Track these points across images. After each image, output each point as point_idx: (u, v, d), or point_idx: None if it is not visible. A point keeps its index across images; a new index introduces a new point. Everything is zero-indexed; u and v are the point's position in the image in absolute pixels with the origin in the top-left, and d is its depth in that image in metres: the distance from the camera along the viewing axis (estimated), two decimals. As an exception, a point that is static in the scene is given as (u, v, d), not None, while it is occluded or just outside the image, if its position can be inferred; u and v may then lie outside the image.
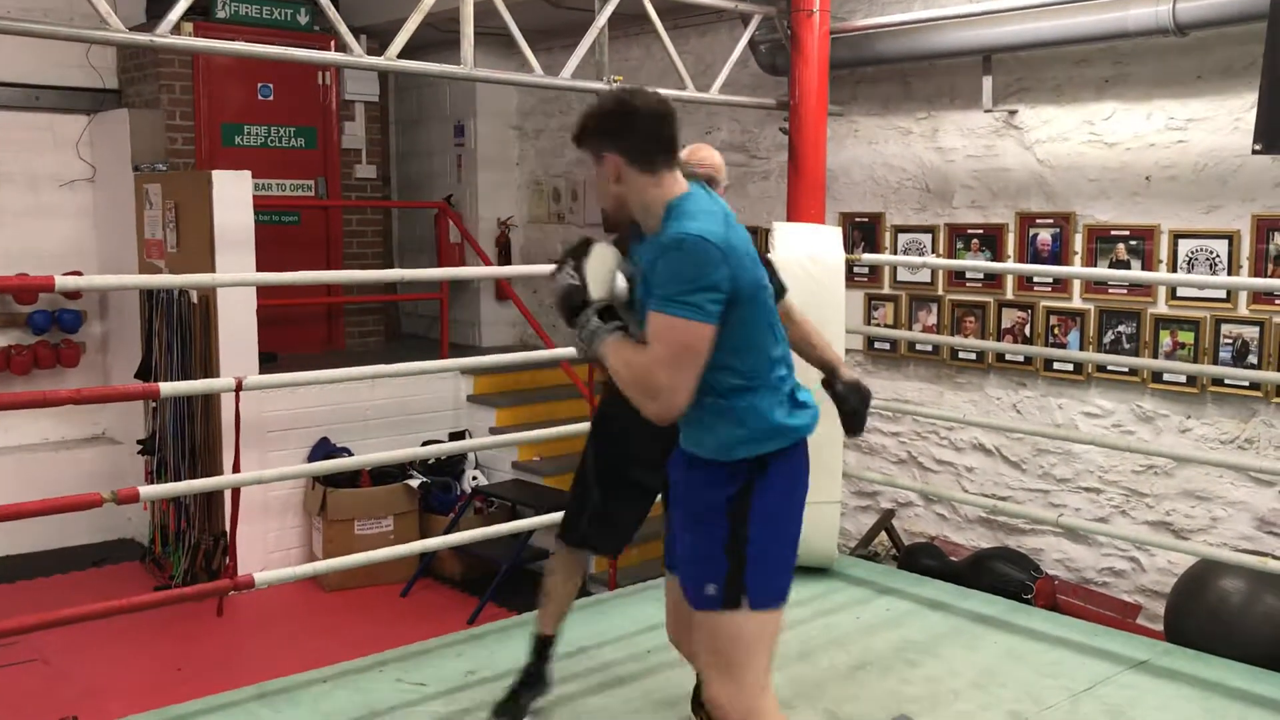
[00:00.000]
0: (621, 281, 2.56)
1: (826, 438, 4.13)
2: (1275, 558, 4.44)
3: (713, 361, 2.41)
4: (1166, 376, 5.15)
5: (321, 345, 8.32)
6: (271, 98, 8.02)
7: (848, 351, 4.90)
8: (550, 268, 2.63)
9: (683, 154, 3.05)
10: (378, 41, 6.82)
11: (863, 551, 5.98)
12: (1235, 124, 4.85)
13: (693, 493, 2.62)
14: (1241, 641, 4.31)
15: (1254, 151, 4.50)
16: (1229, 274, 4.95)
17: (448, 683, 3.92)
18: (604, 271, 2.56)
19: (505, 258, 8.72)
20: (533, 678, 3.55)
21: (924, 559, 5.58)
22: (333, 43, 6.74)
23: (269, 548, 6.50)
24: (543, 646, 3.56)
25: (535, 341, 8.05)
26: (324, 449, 6.73)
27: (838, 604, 4.66)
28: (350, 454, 6.58)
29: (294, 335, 7.85)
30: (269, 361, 6.57)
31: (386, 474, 6.76)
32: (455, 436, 7.27)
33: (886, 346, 6.22)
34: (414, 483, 6.83)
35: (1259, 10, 4.42)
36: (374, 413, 6.99)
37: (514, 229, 8.81)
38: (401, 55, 4.53)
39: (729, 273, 2.38)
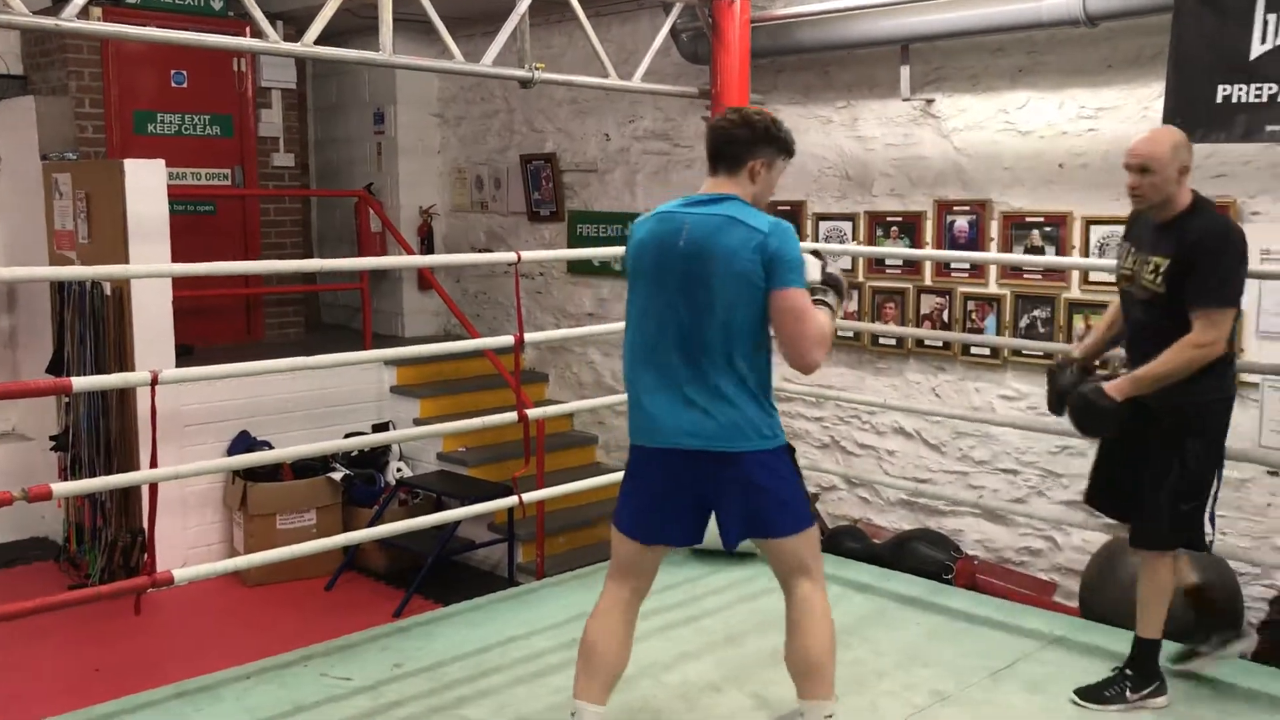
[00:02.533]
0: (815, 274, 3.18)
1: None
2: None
3: None
4: (1080, 360, 5.27)
5: (240, 337, 8.17)
6: (185, 85, 7.83)
7: (771, 338, 4.94)
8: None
9: None
10: (294, 27, 6.69)
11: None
12: (1144, 113, 4.98)
13: None
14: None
15: (1162, 140, 4.65)
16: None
17: (374, 676, 3.90)
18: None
19: (428, 247, 8.64)
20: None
21: (848, 542, 5.66)
22: (248, 29, 6.60)
23: (188, 544, 6.38)
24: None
25: (459, 331, 8.00)
26: (244, 443, 6.62)
27: (763, 588, 4.70)
28: (271, 447, 6.48)
29: (211, 327, 7.70)
30: (186, 354, 6.43)
31: (308, 467, 6.68)
32: (378, 428, 7.20)
33: (809, 333, 6.28)
34: (336, 476, 6.75)
35: (1165, 1, 4.54)
36: (295, 405, 6.89)
37: (436, 217, 8.73)
38: (319, 41, 4.46)
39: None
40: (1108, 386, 3.52)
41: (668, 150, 7.11)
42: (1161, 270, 3.43)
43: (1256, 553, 4.53)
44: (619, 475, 6.36)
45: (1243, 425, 4.77)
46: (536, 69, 5.12)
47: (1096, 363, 3.95)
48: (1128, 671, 3.71)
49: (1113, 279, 5.09)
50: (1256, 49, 4.36)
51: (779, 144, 3.12)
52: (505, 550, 6.61)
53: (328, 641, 4.18)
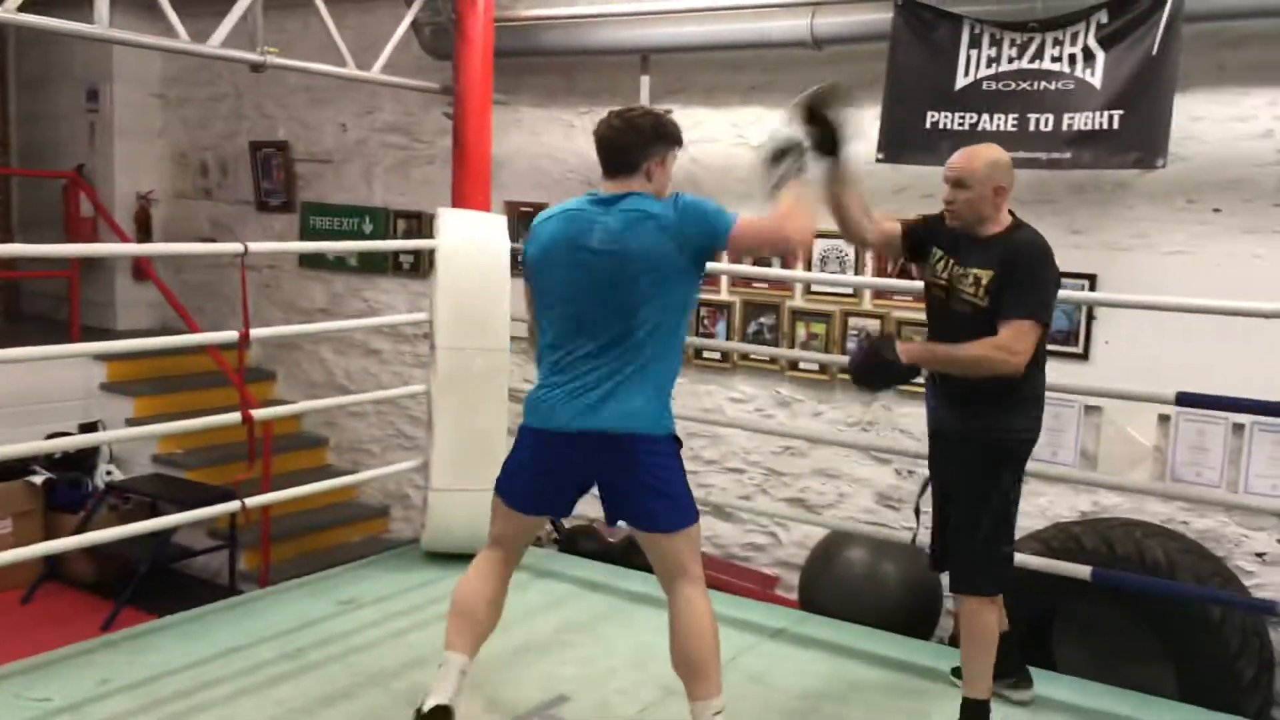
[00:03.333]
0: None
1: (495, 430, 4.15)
2: (892, 528, 4.92)
3: None
4: (802, 364, 5.57)
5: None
6: None
7: (512, 339, 4.95)
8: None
9: None
10: (-6, -10, 6.13)
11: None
12: (861, 134, 5.29)
13: None
14: (865, 606, 4.74)
15: (877, 160, 4.98)
16: (856, 273, 5.41)
17: (78, 695, 3.61)
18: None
19: (145, 235, 8.12)
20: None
21: (584, 542, 5.73)
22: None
23: None
24: None
25: (178, 325, 7.54)
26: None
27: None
28: (-41, 448, 5.92)
29: (-111, 315, 6.96)
30: None
31: (4, 470, 6.16)
32: (86, 428, 6.70)
33: (548, 334, 6.33)
34: (37, 479, 6.26)
35: (884, 31, 4.86)
36: (-11, 402, 6.32)
37: (156, 204, 8.21)
38: (24, 8, 4.10)
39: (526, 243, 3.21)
40: (900, 345, 3.40)
41: (408, 145, 6.98)
42: (984, 284, 3.32)
43: (954, 545, 4.90)
44: (349, 478, 6.21)
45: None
46: (269, 53, 4.91)
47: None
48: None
49: (832, 290, 5.45)
50: (960, 81, 4.74)
51: (669, 139, 3.20)
52: (226, 558, 6.31)
53: (25, 659, 3.84)
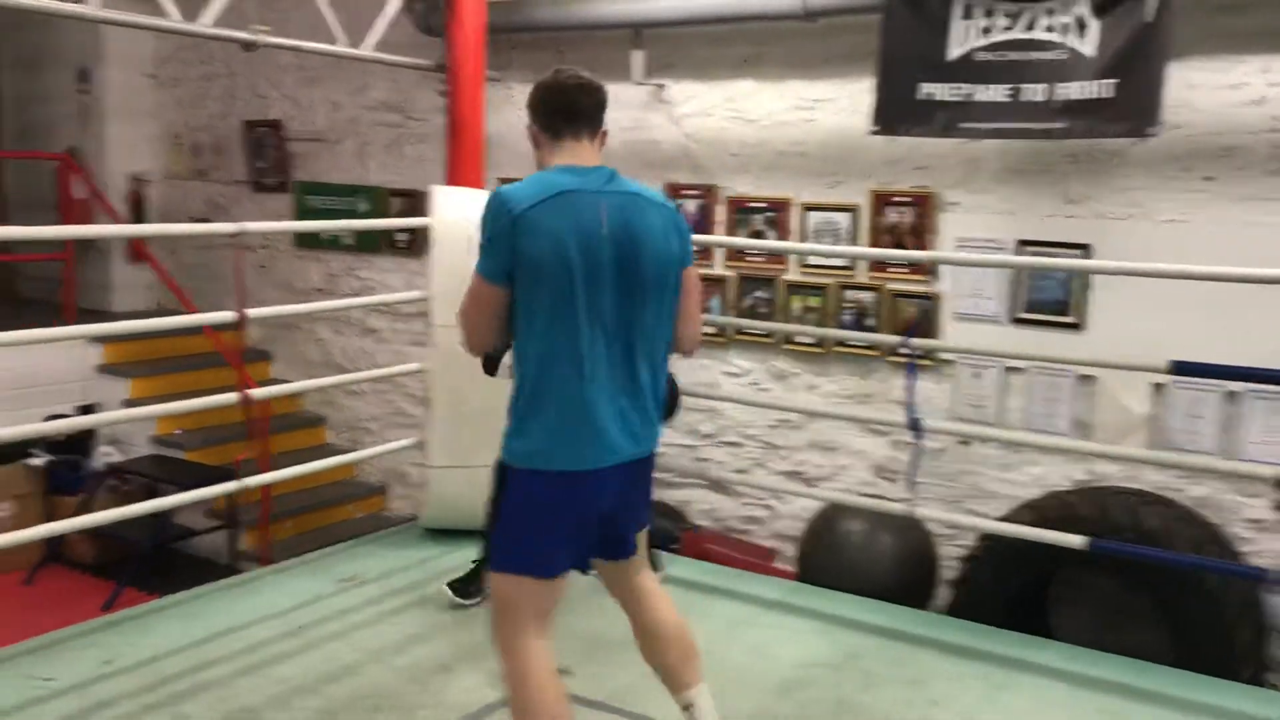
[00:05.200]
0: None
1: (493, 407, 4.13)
2: (889, 500, 4.95)
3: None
4: (797, 338, 5.58)
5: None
6: None
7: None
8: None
9: None
10: (-18, -29, 6.10)
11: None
12: (856, 106, 5.29)
13: None
14: (862, 577, 4.77)
15: (871, 132, 4.97)
16: (851, 245, 5.41)
17: (81, 675, 3.64)
18: None
19: (139, 215, 8.10)
20: None
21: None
22: (-74, -31, 5.95)
23: None
24: None
25: (174, 306, 7.54)
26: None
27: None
28: (-42, 432, 5.93)
29: (-116, 300, 6.95)
30: None
31: (3, 453, 6.18)
32: (84, 411, 6.71)
33: (544, 311, 6.32)
34: (36, 462, 6.27)
35: (876, 3, 4.84)
36: (-14, 386, 6.33)
37: (149, 185, 8.19)
38: (12, -11, 4.09)
39: (509, 230, 2.56)
40: None
41: (401, 123, 6.96)
42: None
43: (950, 515, 4.93)
44: (347, 456, 6.22)
45: (939, 399, 5.20)
46: (260, 32, 4.89)
47: None
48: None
49: (827, 263, 5.45)
50: (953, 52, 4.72)
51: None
52: (226, 537, 6.33)
53: (28, 640, 3.86)
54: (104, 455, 6.64)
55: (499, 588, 2.73)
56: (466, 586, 4.27)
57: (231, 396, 4.56)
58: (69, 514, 5.86)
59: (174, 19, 4.62)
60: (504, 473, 2.73)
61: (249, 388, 4.66)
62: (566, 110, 2.75)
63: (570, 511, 2.69)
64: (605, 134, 2.83)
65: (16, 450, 6.26)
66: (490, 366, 3.39)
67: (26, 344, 5.12)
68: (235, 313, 4.49)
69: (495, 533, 2.72)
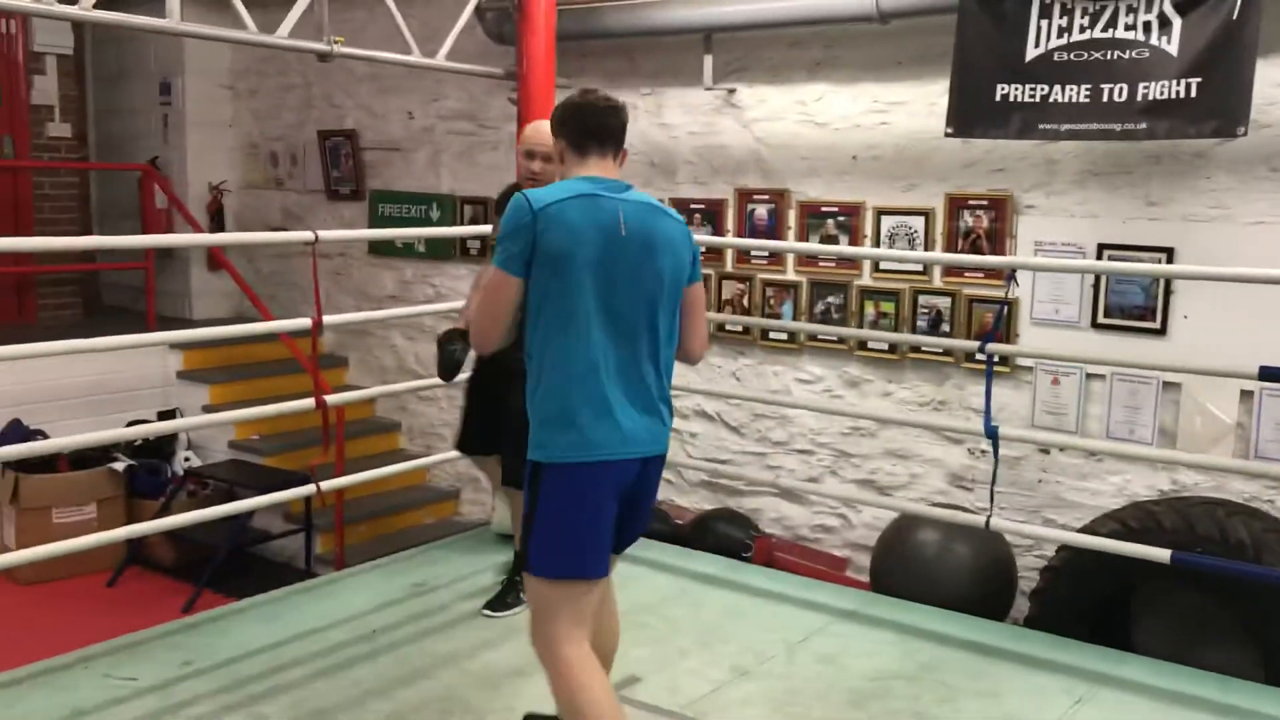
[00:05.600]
0: None
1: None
2: (966, 510, 4.86)
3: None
4: (871, 344, 5.51)
5: (10, 318, 7.63)
6: (-57, 45, 7.25)
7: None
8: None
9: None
10: (69, -12, 6.27)
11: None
12: (931, 108, 5.22)
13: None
14: (938, 588, 4.69)
15: (947, 134, 4.90)
16: (925, 249, 5.33)
17: (161, 676, 3.71)
18: None
19: (219, 225, 8.26)
20: None
21: (652, 524, 5.73)
22: (16, -13, 6.13)
23: (-49, 541, 5.94)
24: None
25: (252, 314, 7.67)
26: (16, 432, 6.19)
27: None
28: (46, 437, 6.08)
29: (-24, 309, 7.17)
30: (-54, 337, 5.96)
31: (87, 458, 6.31)
32: (164, 416, 6.85)
33: (614, 317, 6.32)
34: (119, 466, 6.40)
35: (951, 3, 4.77)
36: (72, 392, 6.49)
37: (228, 194, 8.35)
38: (100, 5, 4.18)
39: (530, 224, 2.65)
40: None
41: (473, 131, 7.02)
42: None
43: (1028, 526, 4.83)
44: (420, 461, 6.27)
45: (1016, 406, 5.10)
46: (335, 42, 4.95)
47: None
48: (517, 579, 4.15)
49: (901, 267, 5.38)
50: (1031, 52, 4.63)
51: None
52: (303, 541, 6.41)
53: (110, 640, 3.95)
54: (184, 460, 6.77)
55: (543, 595, 2.75)
56: (504, 599, 4.32)
57: (307, 402, 4.62)
58: (150, 517, 5.98)
59: (251, 31, 4.70)
60: (541, 475, 2.72)
61: (324, 393, 4.71)
62: (598, 131, 2.85)
63: (611, 501, 2.75)
64: (626, 153, 2.94)
65: (100, 455, 6.39)
66: (448, 371, 3.58)
67: (109, 350, 5.25)
68: (311, 319, 4.55)
69: (535, 539, 2.72)
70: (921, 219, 5.32)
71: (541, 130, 3.76)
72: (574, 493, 2.70)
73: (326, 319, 4.63)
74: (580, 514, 2.71)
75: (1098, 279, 4.89)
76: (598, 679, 2.73)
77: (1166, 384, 4.74)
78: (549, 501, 2.71)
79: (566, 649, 2.72)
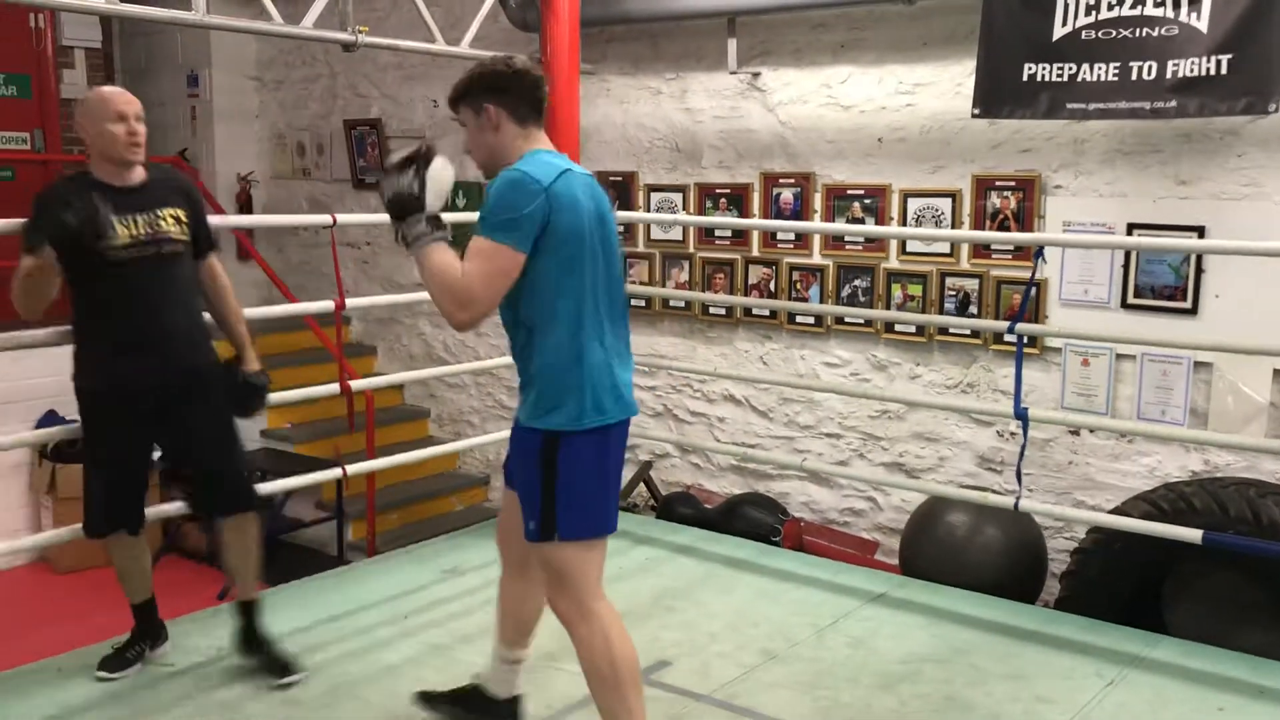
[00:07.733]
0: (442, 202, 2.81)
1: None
2: (995, 492, 4.84)
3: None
4: (898, 327, 5.48)
5: (46, 310, 7.70)
6: (-26, 41, 7.32)
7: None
8: (394, 161, 2.87)
9: None
10: (97, -18, 6.31)
11: (622, 503, 6.10)
12: (957, 89, 5.18)
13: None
14: (967, 571, 4.68)
15: (973, 115, 4.86)
16: (952, 230, 5.29)
17: (197, 658, 3.77)
18: (443, 186, 2.81)
19: (247, 215, 8.32)
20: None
21: (680, 508, 5.75)
22: (45, -19, 6.19)
23: (-10, 530, 6.03)
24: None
25: (281, 302, 7.74)
26: (52, 422, 6.26)
27: (623, 564, 4.75)
28: (80, 426, 6.16)
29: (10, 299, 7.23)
30: (-17, 328, 6.04)
31: (122, 446, 6.36)
32: (198, 404, 6.91)
33: (641, 303, 6.34)
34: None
35: (977, -17, 4.73)
36: (106, 382, 6.55)
37: (256, 185, 8.41)
38: (126, -2, 4.22)
39: (543, 204, 2.68)
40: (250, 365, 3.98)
41: (497, 119, 7.03)
42: (183, 219, 3.79)
43: (1058, 507, 4.80)
44: (449, 446, 6.29)
45: (1046, 388, 5.07)
46: (360, 32, 4.97)
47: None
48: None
49: (928, 249, 5.35)
50: (1058, 31, 4.59)
51: None
52: (334, 528, 6.47)
53: (146, 627, 4.00)
54: (216, 448, 6.82)
55: (568, 558, 2.82)
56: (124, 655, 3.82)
57: (332, 388, 4.66)
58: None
59: (277, 22, 4.73)
60: (559, 444, 2.76)
61: (350, 378, 4.75)
62: (538, 101, 2.89)
63: (622, 459, 2.93)
64: None
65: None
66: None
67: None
68: (334, 301, 4.59)
69: (564, 506, 2.77)
70: (948, 201, 5.29)
71: (122, 92, 3.76)
72: (599, 455, 2.81)
73: (350, 302, 4.66)
74: (605, 475, 2.86)
75: (1127, 259, 4.84)
76: (624, 633, 2.87)
77: (1198, 364, 4.70)
78: (574, 467, 2.77)
79: (599, 604, 2.85)
